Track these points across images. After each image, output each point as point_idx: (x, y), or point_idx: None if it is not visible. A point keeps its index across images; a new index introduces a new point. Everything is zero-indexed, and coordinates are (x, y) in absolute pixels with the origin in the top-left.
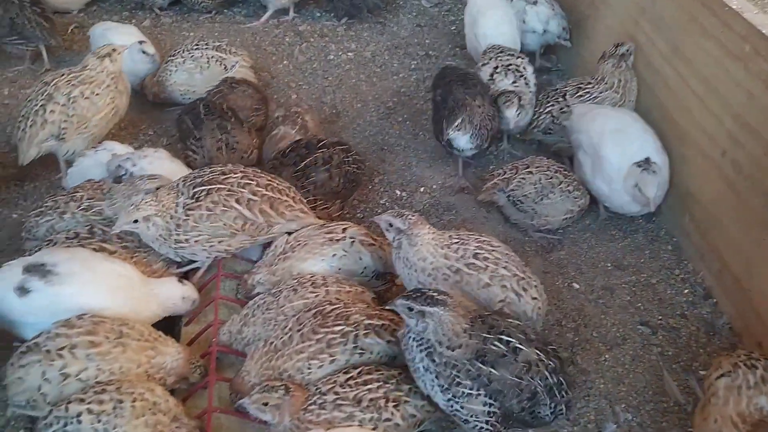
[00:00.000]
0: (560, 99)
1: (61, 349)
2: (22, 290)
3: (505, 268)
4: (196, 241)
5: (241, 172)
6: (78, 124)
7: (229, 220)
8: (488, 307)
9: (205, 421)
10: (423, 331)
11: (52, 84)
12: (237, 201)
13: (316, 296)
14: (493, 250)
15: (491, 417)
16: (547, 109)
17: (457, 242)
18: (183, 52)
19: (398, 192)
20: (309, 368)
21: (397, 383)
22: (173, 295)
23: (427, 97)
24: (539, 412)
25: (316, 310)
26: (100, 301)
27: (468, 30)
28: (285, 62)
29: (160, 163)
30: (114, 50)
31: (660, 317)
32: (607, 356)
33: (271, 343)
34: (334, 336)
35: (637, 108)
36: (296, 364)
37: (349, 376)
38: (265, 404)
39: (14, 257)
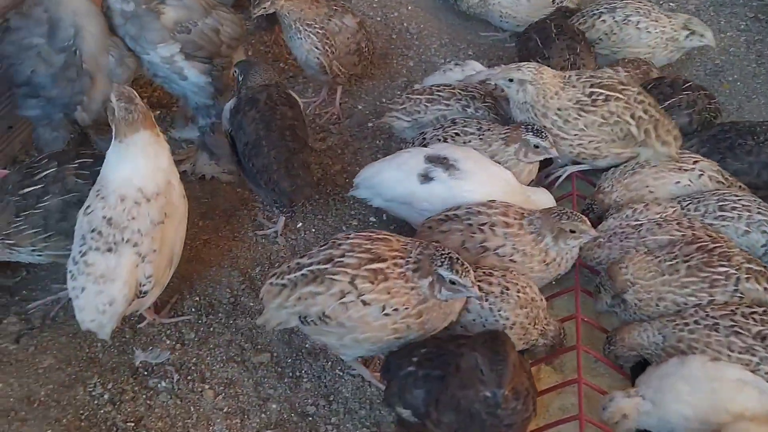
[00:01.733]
0: None
1: (482, 224)
2: (426, 177)
3: (758, 212)
4: (564, 135)
5: (636, 87)
6: None
7: (616, 131)
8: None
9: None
10: None
11: None
12: (632, 116)
13: (683, 236)
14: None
15: None
16: None
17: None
18: None
19: None
20: (686, 303)
21: None
22: (546, 204)
23: (760, 60)
24: None
25: (699, 245)
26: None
27: None
28: None
29: None
30: None
31: None
32: None
33: (656, 257)
34: (718, 277)
35: None
36: (675, 296)
37: (753, 311)
38: None
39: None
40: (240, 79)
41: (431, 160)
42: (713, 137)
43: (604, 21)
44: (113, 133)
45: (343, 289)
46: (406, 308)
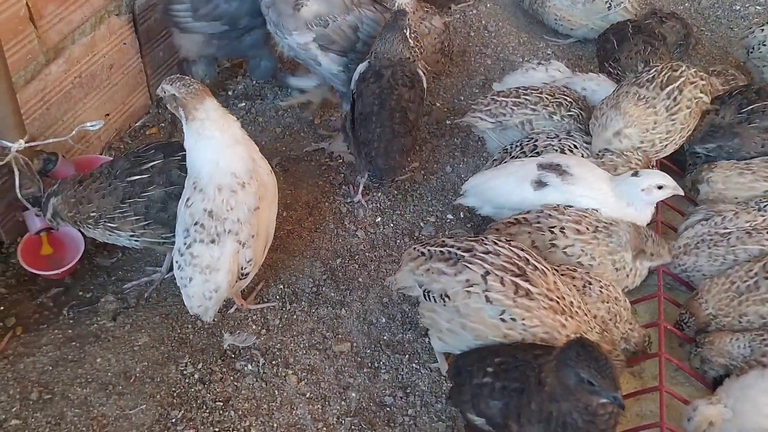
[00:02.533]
0: None
1: (552, 227)
2: (540, 184)
3: None
4: None
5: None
6: None
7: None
8: None
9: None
10: None
11: None
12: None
13: None
14: None
15: None
16: None
17: None
18: None
19: None
20: None
21: None
22: (647, 219)
23: None
24: None
25: None
26: (595, 205)
27: None
28: (687, 4)
29: (606, 85)
30: None
31: None
32: None
33: (733, 282)
34: None
35: None
36: (760, 310)
37: None
38: None
39: None
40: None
41: (544, 167)
42: None
43: (762, 29)
44: (183, 120)
45: (472, 279)
46: (525, 321)
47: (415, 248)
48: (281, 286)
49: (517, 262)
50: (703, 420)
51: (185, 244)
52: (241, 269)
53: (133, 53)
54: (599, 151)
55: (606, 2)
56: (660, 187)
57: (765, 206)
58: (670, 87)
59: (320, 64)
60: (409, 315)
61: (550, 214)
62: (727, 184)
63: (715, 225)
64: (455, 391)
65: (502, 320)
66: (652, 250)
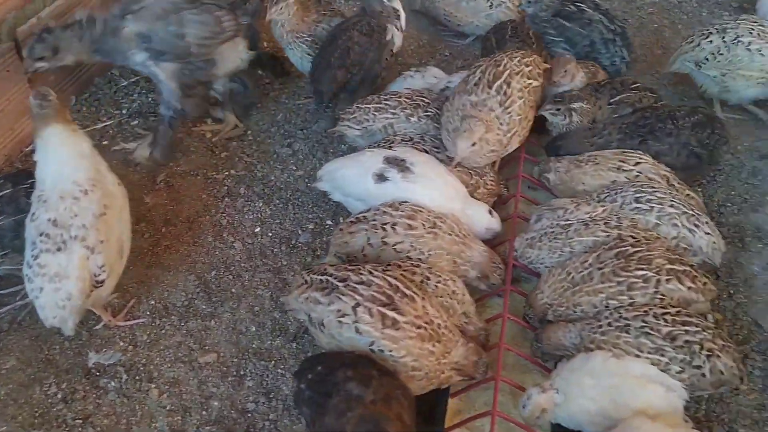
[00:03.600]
0: None
1: (385, 224)
2: (381, 177)
3: (671, 206)
4: None
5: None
6: None
7: None
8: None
9: (498, 324)
10: None
11: None
12: None
13: (608, 236)
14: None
15: None
16: None
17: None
18: None
19: None
20: (606, 307)
21: (713, 335)
22: (479, 221)
23: None
24: None
25: (618, 250)
26: (431, 206)
27: None
28: None
29: None
30: None
31: None
32: None
33: (569, 273)
34: (636, 281)
35: None
36: (592, 300)
37: (665, 311)
38: None
39: None
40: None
41: (389, 161)
42: (633, 123)
43: (711, 41)
44: (36, 133)
45: (343, 310)
46: (393, 353)
47: (302, 274)
48: (153, 302)
49: (386, 290)
50: (536, 407)
51: (33, 256)
52: (95, 276)
53: (18, 79)
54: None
55: (488, 1)
56: None
57: (605, 197)
58: (498, 83)
59: (159, 80)
60: (280, 321)
61: (384, 211)
62: (570, 173)
63: (558, 218)
64: (294, 391)
65: (372, 351)
66: (494, 281)
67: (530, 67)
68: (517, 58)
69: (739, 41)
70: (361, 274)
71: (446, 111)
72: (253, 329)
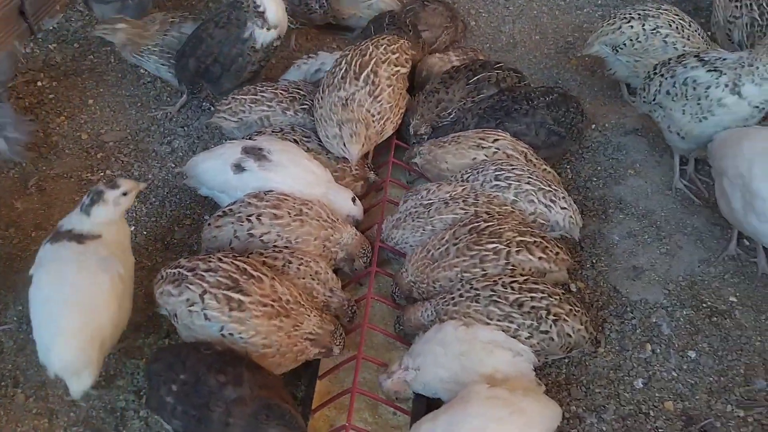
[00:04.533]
0: None
1: (250, 216)
2: (238, 167)
3: (528, 183)
4: None
5: None
6: None
7: None
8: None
9: (363, 305)
10: None
11: None
12: None
13: (466, 213)
14: (513, 168)
15: None
16: None
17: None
18: None
19: None
20: (461, 280)
21: (560, 300)
22: (341, 207)
23: None
24: None
25: (471, 226)
26: (291, 192)
27: None
28: None
29: None
30: None
31: None
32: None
33: (429, 251)
34: (487, 253)
35: None
36: (449, 275)
37: (514, 279)
38: None
39: None
40: None
41: (247, 150)
42: (490, 107)
43: (632, 27)
44: None
45: (191, 299)
46: (242, 335)
47: (160, 271)
48: (20, 308)
49: (233, 274)
50: (390, 392)
51: None
52: None
53: None
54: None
55: None
56: None
57: (468, 177)
58: (365, 73)
59: None
60: (153, 319)
61: (249, 203)
62: (433, 154)
63: (421, 198)
64: (148, 394)
65: (223, 336)
66: (358, 265)
67: (397, 54)
68: (383, 46)
69: (657, 32)
70: (209, 262)
71: (319, 107)
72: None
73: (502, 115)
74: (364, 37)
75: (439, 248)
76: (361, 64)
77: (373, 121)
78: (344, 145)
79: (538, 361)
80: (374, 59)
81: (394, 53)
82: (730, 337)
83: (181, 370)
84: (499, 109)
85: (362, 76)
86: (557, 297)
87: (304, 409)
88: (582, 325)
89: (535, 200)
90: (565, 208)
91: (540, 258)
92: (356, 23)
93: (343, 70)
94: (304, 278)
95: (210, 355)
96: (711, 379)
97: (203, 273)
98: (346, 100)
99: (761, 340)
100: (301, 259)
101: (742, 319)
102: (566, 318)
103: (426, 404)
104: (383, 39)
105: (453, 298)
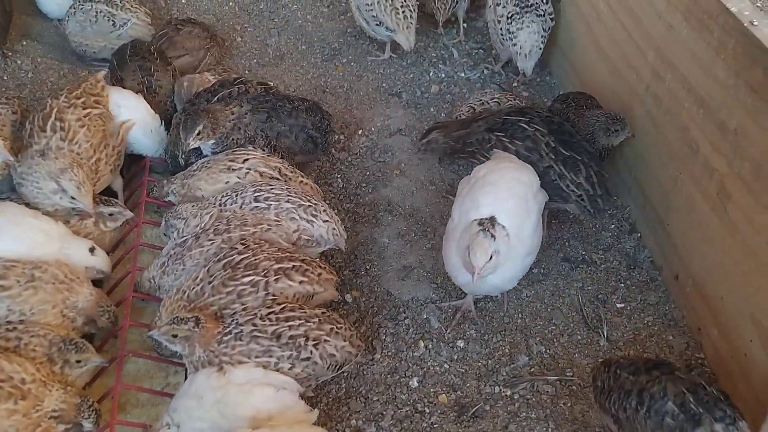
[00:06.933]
0: None
1: None
2: None
3: (288, 201)
4: None
5: None
6: None
7: None
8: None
9: (116, 365)
10: None
11: None
12: None
13: (212, 243)
14: (272, 188)
15: None
16: None
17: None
18: (75, 3)
19: (336, 135)
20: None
21: (319, 322)
22: (78, 261)
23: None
24: None
25: (225, 261)
26: (16, 254)
27: None
28: (231, 4)
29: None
30: None
31: (583, 252)
32: (527, 293)
33: (184, 292)
34: (244, 287)
35: (574, 43)
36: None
37: (270, 311)
38: (174, 336)
39: None
40: None
41: None
42: (255, 98)
43: None
44: None
45: None
46: None
47: None
48: None
49: None
50: None
51: None
52: None
53: None
54: None
55: (110, 21)
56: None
57: (226, 201)
58: (50, 122)
59: None
60: None
61: None
62: (187, 185)
63: (177, 238)
64: None
65: None
66: (102, 324)
67: (82, 98)
68: (63, 96)
69: None
70: None
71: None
72: None
73: (269, 108)
74: (111, 70)
75: (194, 288)
76: (44, 117)
77: (83, 161)
78: (78, 196)
79: (311, 386)
80: (56, 108)
81: (78, 98)
82: (494, 319)
83: None
84: (266, 101)
85: (48, 126)
86: (315, 320)
87: None
88: (346, 341)
89: (297, 217)
90: (327, 221)
91: (301, 282)
92: (108, 55)
93: (29, 130)
94: (36, 349)
95: None
96: (479, 364)
97: None
98: (44, 151)
99: (522, 317)
100: (31, 330)
101: (504, 300)
102: (327, 338)
103: None
104: (62, 91)
105: (220, 341)
